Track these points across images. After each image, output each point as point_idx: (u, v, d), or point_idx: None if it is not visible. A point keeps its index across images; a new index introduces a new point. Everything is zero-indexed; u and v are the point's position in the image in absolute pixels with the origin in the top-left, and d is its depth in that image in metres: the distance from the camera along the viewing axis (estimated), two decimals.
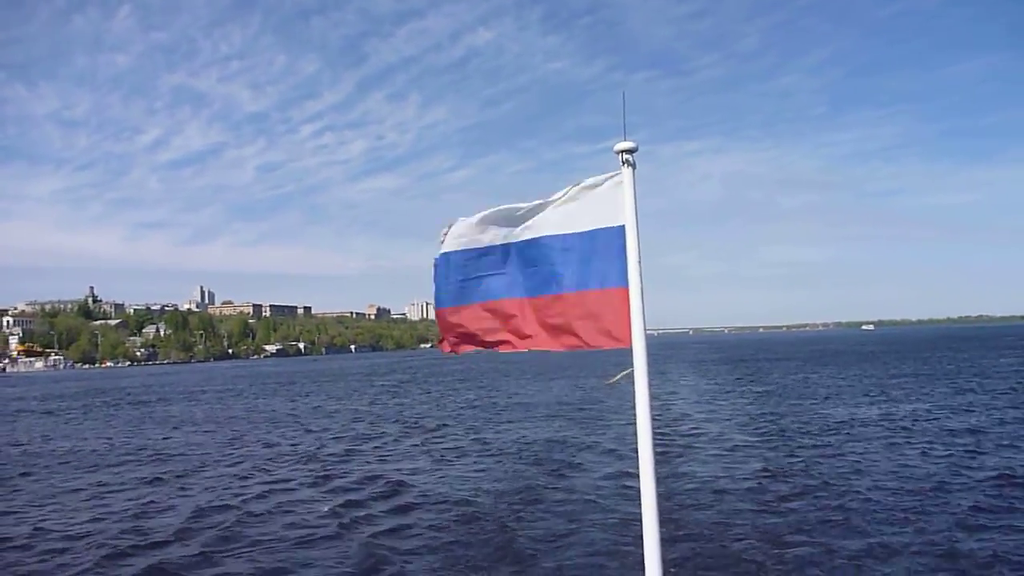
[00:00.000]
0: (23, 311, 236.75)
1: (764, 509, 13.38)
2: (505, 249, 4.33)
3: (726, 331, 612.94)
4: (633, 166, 4.00)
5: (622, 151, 3.99)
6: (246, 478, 18.83)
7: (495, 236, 4.35)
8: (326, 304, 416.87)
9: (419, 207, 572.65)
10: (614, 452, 20.11)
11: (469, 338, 4.49)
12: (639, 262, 3.98)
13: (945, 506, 13.16)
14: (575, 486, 16.05)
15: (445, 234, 4.44)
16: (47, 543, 12.94)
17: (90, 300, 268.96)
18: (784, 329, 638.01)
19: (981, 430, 22.04)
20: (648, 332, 4.02)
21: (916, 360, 65.42)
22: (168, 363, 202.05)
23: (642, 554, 3.77)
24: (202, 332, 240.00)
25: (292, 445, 24.94)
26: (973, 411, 26.84)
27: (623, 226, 4.02)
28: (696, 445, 20.98)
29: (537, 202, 4.28)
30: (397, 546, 11.98)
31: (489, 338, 4.42)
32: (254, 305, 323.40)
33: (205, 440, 27.50)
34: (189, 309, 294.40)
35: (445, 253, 4.44)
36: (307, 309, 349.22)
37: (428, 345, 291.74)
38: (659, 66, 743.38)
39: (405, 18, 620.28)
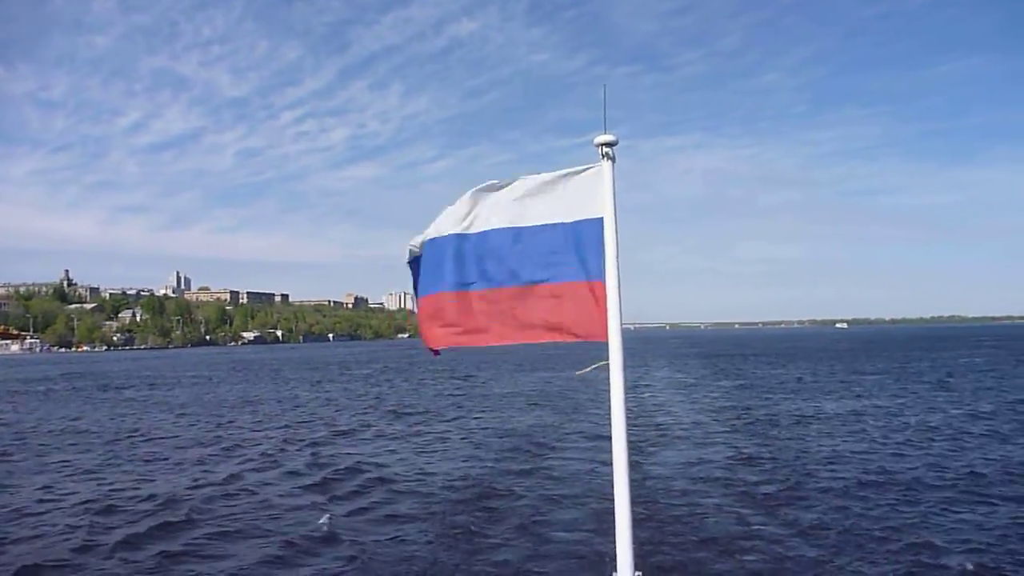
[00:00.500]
0: None
1: (731, 491, 14.50)
2: (481, 237, 4.27)
3: (703, 326, 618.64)
4: (613, 159, 4.01)
5: (602, 144, 4.00)
6: (229, 460, 19.73)
7: (470, 224, 4.29)
8: (304, 292, 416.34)
9: (399, 197, 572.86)
10: (592, 439, 21.14)
11: (448, 331, 4.39)
12: (616, 256, 3.98)
13: (890, 486, 14.52)
14: (553, 471, 16.93)
15: (426, 232, 4.43)
16: (55, 514, 13.84)
17: (65, 283, 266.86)
18: (760, 326, 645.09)
19: (933, 425, 23.41)
20: (624, 326, 4.02)
21: (882, 358, 67.23)
22: (145, 348, 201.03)
23: (614, 538, 3.87)
24: (179, 318, 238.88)
25: (278, 429, 25.85)
26: (928, 406, 28.24)
27: (601, 219, 4.01)
28: (670, 434, 22.14)
29: (517, 183, 4.24)
30: (377, 529, 12.38)
31: (466, 331, 4.32)
32: (231, 292, 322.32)
33: (193, 423, 28.28)
34: (165, 295, 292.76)
35: (426, 240, 4.40)
36: (284, 297, 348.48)
37: (406, 335, 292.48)
38: (642, 61, 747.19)
39: (389, 6, 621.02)
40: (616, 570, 3.81)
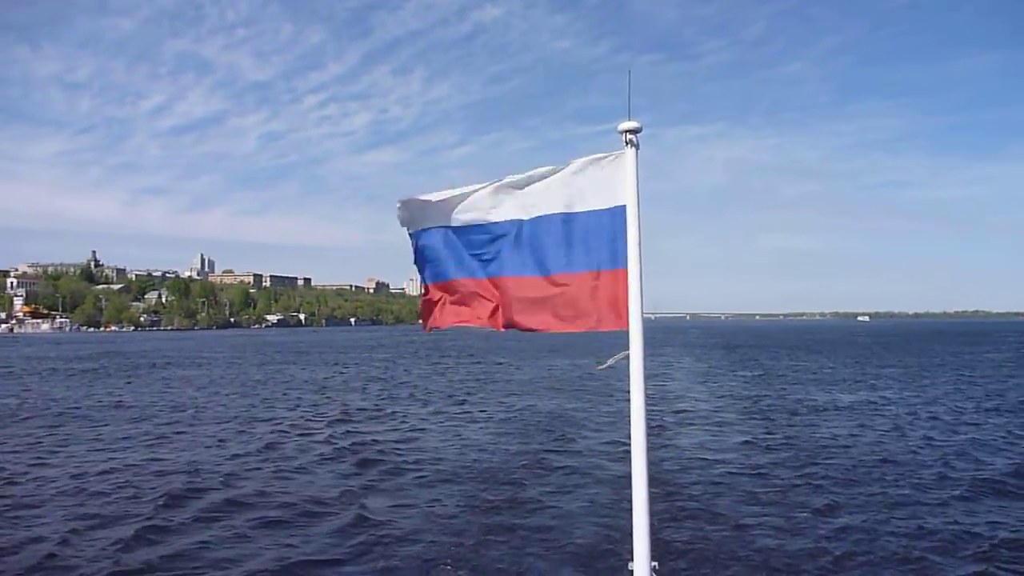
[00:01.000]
0: (25, 273, 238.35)
1: (746, 478, 15.15)
2: (504, 227, 4.26)
3: (723, 317, 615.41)
4: (636, 147, 3.96)
5: (626, 131, 3.95)
6: (264, 435, 21.13)
7: (492, 213, 4.28)
8: (325, 276, 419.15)
9: (420, 182, 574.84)
10: (612, 425, 22.12)
11: (466, 315, 4.43)
12: (639, 244, 3.94)
13: (895, 474, 15.56)
14: (571, 457, 17.45)
15: (420, 204, 4.39)
16: (113, 480, 15.26)
17: (92, 264, 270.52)
18: (780, 317, 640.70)
19: (941, 416, 24.38)
20: (645, 316, 3.98)
21: (902, 352, 67.79)
22: (172, 329, 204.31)
23: (631, 528, 3.90)
24: (204, 300, 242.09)
25: (312, 407, 27.29)
26: (941, 400, 29.15)
27: (624, 207, 3.98)
28: (687, 420, 23.28)
29: (538, 171, 4.21)
30: (397, 509, 12.82)
31: (486, 317, 4.33)
32: (255, 275, 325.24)
33: (232, 401, 29.79)
34: (190, 277, 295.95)
35: (442, 228, 4.38)
36: (307, 280, 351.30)
37: None
38: (665, 49, 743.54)
39: None
40: (632, 560, 3.82)
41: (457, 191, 4.33)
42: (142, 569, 9.86)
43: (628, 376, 3.88)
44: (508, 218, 4.26)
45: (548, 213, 4.17)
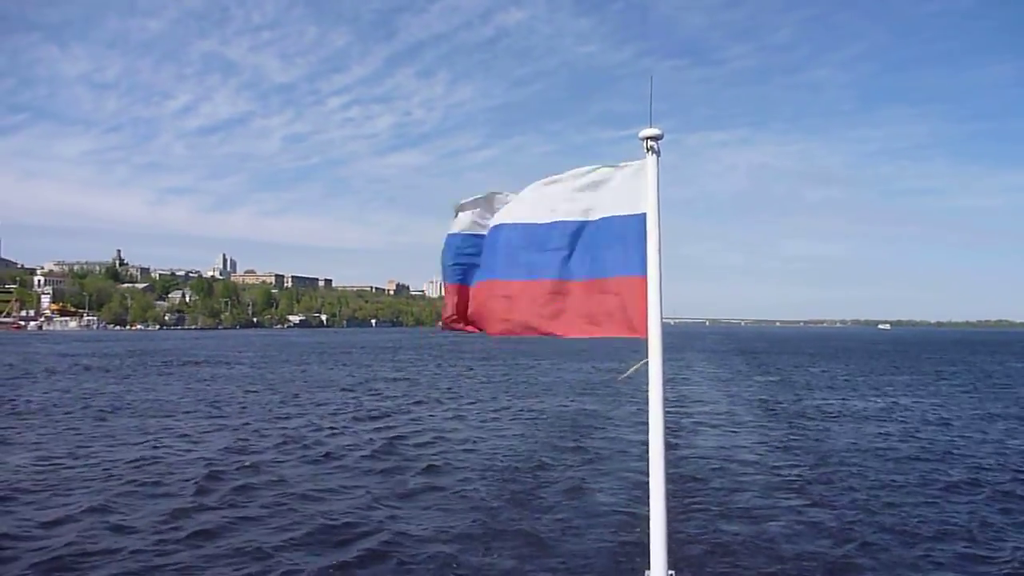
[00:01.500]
0: (51, 271, 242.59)
1: (763, 481, 15.50)
2: (521, 231, 4.25)
3: (743, 323, 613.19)
4: (658, 153, 3.96)
5: (647, 138, 3.95)
6: (296, 429, 22.32)
7: (511, 217, 4.29)
8: (346, 277, 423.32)
9: (442, 185, 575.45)
10: (633, 426, 22.90)
11: (478, 319, 4.43)
12: (659, 251, 3.92)
13: (911, 481, 16.36)
14: (590, 461, 17.69)
15: (460, 209, 4.41)
16: (168, 464, 16.49)
17: (117, 263, 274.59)
18: (801, 324, 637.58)
19: (953, 423, 25.16)
20: (665, 321, 3.94)
21: (921, 360, 68.10)
22: (196, 328, 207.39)
23: (648, 535, 3.86)
24: (227, 300, 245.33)
25: (343, 405, 28.50)
26: (955, 408, 29.87)
27: (644, 214, 3.97)
28: (705, 422, 24.17)
29: (558, 177, 4.23)
30: (420, 508, 13.17)
31: (502, 322, 4.33)
32: (276, 275, 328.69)
33: (264, 397, 31.08)
34: (213, 276, 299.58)
35: (467, 233, 4.38)
36: (328, 282, 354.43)
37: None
38: (690, 55, 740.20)
39: None
40: (650, 568, 3.81)
41: (480, 196, 4.40)
42: (192, 545, 11.00)
43: (647, 384, 3.83)
44: (528, 222, 4.25)
45: (567, 219, 4.16)
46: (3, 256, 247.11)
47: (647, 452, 3.86)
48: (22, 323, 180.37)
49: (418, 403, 29.65)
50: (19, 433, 21.14)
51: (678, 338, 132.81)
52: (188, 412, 26.19)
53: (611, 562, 10.35)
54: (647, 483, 3.84)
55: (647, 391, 3.85)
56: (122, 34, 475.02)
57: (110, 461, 16.92)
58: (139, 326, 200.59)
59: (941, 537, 11.70)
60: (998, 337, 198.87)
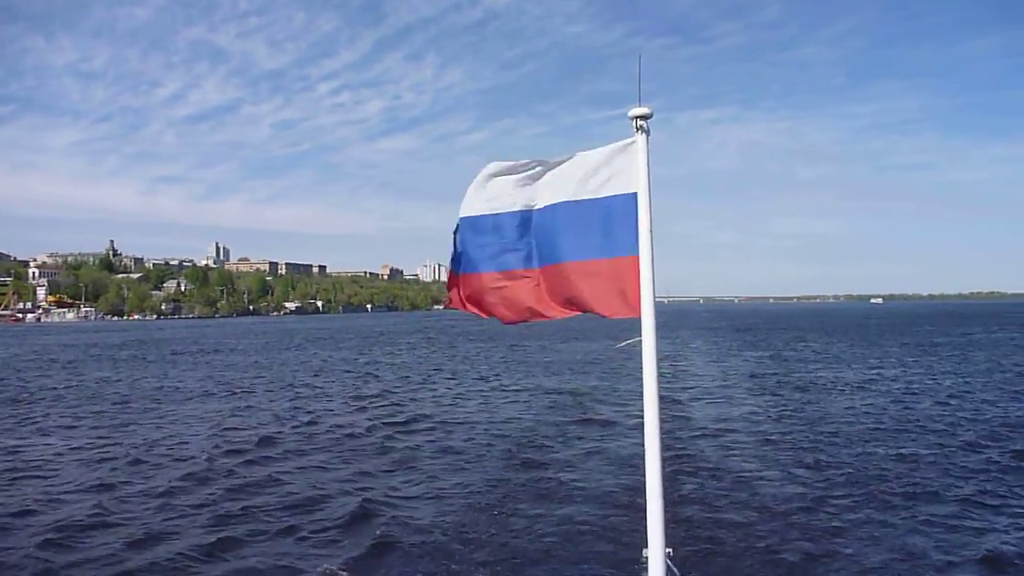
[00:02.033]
0: (44, 263, 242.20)
1: (756, 455, 16.04)
2: (520, 217, 4.28)
3: (737, 301, 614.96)
4: (647, 133, 3.95)
5: (636, 117, 3.94)
6: (305, 412, 23.56)
7: (511, 202, 4.29)
8: (340, 263, 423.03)
9: (433, 168, 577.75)
10: (629, 406, 23.67)
11: (479, 303, 4.48)
12: (650, 231, 3.92)
13: (882, 440, 17.72)
14: (595, 429, 19.03)
15: (467, 193, 4.40)
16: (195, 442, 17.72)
17: (111, 254, 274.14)
18: (795, 300, 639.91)
19: (939, 393, 26.57)
20: (658, 300, 3.96)
21: (909, 333, 69.67)
22: (193, 317, 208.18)
23: (645, 515, 3.87)
24: (222, 288, 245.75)
25: (344, 385, 29.78)
26: (937, 375, 31.32)
27: (635, 194, 3.97)
28: (698, 397, 25.52)
29: (547, 160, 4.25)
30: (417, 494, 13.43)
31: (502, 308, 4.41)
32: (270, 263, 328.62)
33: (271, 381, 32.32)
34: (207, 265, 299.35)
35: (467, 217, 4.39)
36: (322, 268, 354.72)
37: (441, 307, 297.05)
38: (679, 33, 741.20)
39: None
40: (648, 546, 3.82)
41: (490, 180, 4.36)
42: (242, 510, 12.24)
43: (640, 363, 3.89)
44: (519, 209, 4.29)
45: (559, 201, 4.17)
46: None
47: (643, 430, 3.90)
48: (20, 316, 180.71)
49: (428, 382, 31.01)
50: (52, 419, 22.38)
51: (672, 317, 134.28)
52: (214, 395, 27.52)
53: (610, 539, 10.44)
54: (644, 460, 3.87)
55: (641, 370, 3.91)
56: (108, 23, 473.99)
57: (140, 442, 18.22)
58: (136, 316, 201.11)
59: (926, 498, 12.33)
60: (988, 308, 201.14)
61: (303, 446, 17.61)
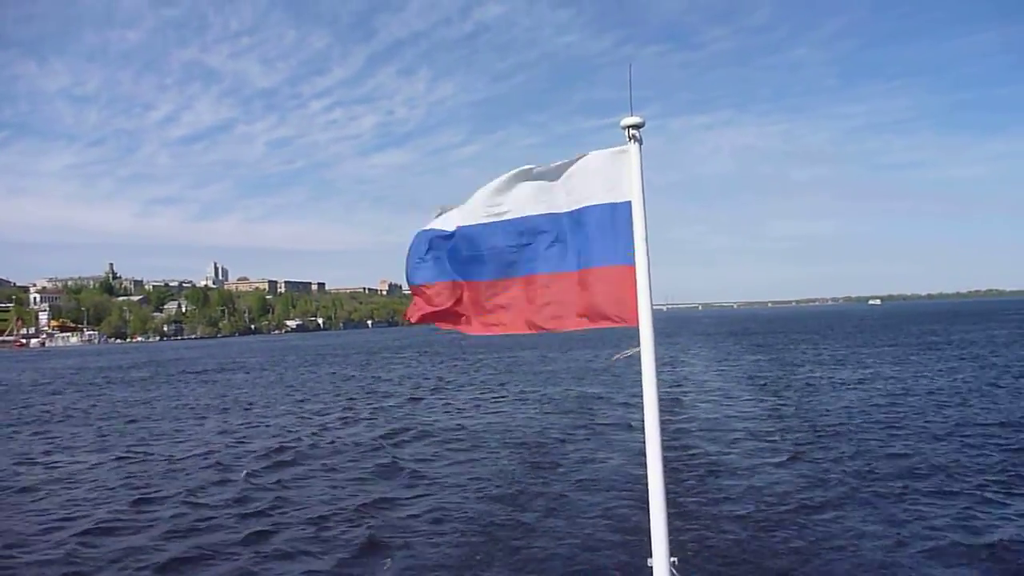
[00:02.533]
0: (45, 287, 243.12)
1: (757, 457, 16.22)
2: (506, 226, 4.17)
3: (735, 306, 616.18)
4: (640, 141, 3.93)
5: (629, 126, 3.91)
6: (314, 425, 24.59)
7: (495, 213, 4.17)
8: (338, 280, 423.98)
9: (427, 182, 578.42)
10: (630, 415, 24.05)
11: (476, 319, 4.31)
12: (646, 239, 3.90)
13: (883, 440, 18.65)
14: (591, 450, 18.08)
15: (438, 215, 4.30)
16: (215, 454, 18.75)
17: (111, 277, 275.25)
18: (793, 304, 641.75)
19: (934, 390, 27.51)
20: (656, 307, 3.92)
21: (906, 333, 70.64)
22: (196, 338, 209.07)
23: (648, 524, 3.84)
24: (223, 308, 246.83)
25: (352, 399, 30.79)
26: (931, 375, 32.31)
27: (629, 202, 3.93)
28: (701, 396, 26.52)
29: (540, 168, 4.13)
30: (441, 485, 14.62)
31: (496, 320, 4.29)
32: (269, 281, 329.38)
33: (290, 398, 33.33)
34: (206, 285, 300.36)
35: (451, 229, 4.23)
36: (321, 285, 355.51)
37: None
38: (670, 40, 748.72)
39: None
40: (651, 556, 3.80)
41: (478, 191, 4.23)
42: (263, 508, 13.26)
43: (640, 373, 3.84)
44: (512, 217, 4.17)
45: (552, 212, 4.12)
46: None
47: (644, 439, 3.88)
48: (24, 341, 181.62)
49: (433, 393, 31.94)
50: (75, 438, 23.40)
51: (672, 324, 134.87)
52: (233, 412, 28.52)
53: (614, 550, 10.36)
54: (646, 469, 3.83)
55: (640, 380, 3.87)
56: (100, 46, 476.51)
57: (169, 454, 19.25)
58: (139, 338, 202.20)
59: (930, 498, 12.47)
60: (987, 306, 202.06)
61: (322, 458, 18.25)
